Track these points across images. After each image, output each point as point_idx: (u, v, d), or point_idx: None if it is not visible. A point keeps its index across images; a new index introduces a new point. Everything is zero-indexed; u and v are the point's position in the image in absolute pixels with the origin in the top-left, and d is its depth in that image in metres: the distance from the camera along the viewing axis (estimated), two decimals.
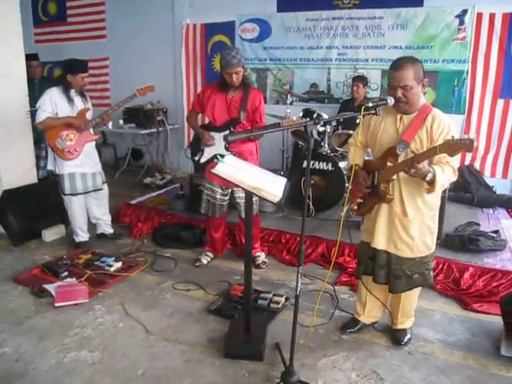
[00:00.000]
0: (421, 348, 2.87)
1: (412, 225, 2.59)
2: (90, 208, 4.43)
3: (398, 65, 2.44)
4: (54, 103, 3.96)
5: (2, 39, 4.42)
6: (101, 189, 4.35)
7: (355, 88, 5.41)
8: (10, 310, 3.25)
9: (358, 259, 2.94)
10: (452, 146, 2.12)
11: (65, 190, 4.14)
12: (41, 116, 3.95)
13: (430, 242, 2.68)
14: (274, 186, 2.43)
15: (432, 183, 2.33)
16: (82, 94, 4.15)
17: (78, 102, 4.10)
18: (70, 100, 4.02)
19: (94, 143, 4.31)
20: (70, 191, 4.15)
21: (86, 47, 7.60)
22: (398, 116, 2.57)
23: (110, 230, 4.62)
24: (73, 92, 4.05)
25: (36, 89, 5.01)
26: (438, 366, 2.70)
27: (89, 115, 4.15)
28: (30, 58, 5.13)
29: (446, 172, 2.36)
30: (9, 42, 4.50)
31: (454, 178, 2.44)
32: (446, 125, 2.45)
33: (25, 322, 3.10)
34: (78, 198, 4.23)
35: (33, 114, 4.68)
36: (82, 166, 4.13)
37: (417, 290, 2.83)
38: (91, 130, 4.23)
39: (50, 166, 4.19)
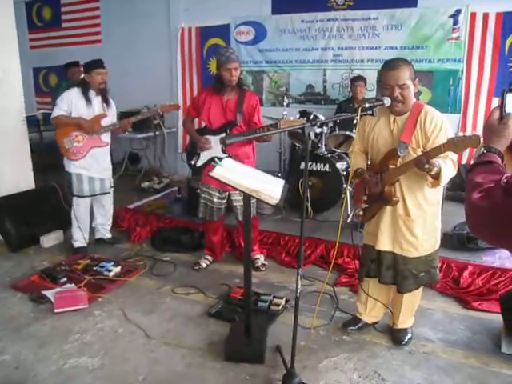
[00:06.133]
0: (422, 347, 2.88)
1: (416, 224, 2.60)
2: (94, 212, 4.44)
3: (393, 65, 2.46)
4: (70, 102, 4.01)
5: None
6: (108, 192, 4.36)
7: (358, 88, 5.41)
8: (10, 317, 3.23)
9: (361, 262, 2.94)
10: (457, 144, 2.12)
11: (73, 190, 4.18)
12: (55, 112, 4.04)
13: (434, 240, 2.69)
14: (272, 189, 2.43)
15: (437, 177, 2.33)
16: (104, 99, 4.15)
17: (97, 105, 4.10)
18: (88, 101, 4.04)
19: (106, 149, 4.28)
20: (76, 193, 4.17)
21: (81, 52, 7.55)
22: (392, 118, 2.58)
23: (108, 235, 4.61)
24: (92, 94, 4.06)
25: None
26: (440, 365, 2.70)
27: (105, 121, 4.14)
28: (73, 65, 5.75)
29: (448, 165, 2.36)
30: (4, 47, 4.49)
31: (454, 171, 2.43)
32: (439, 120, 2.47)
33: (24, 328, 3.09)
34: (85, 201, 4.25)
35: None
36: (88, 169, 4.15)
37: (421, 289, 2.84)
38: (106, 136, 4.21)
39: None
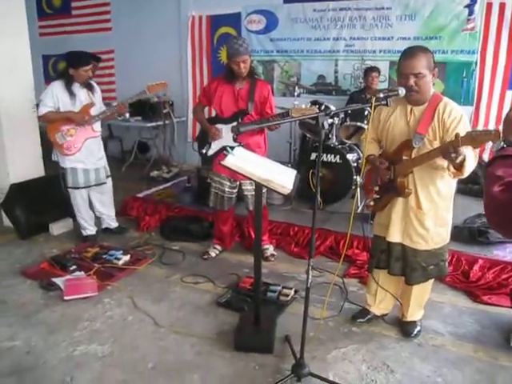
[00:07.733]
0: (431, 340, 2.87)
1: (427, 217, 2.57)
2: (93, 202, 4.41)
3: (410, 53, 2.41)
4: (56, 97, 3.93)
5: (7, 33, 4.40)
6: (104, 183, 4.30)
7: (371, 78, 5.37)
8: (20, 304, 3.26)
9: (371, 253, 2.93)
10: (476, 139, 2.05)
11: (67, 183, 4.16)
12: (41, 110, 3.94)
13: (444, 234, 2.66)
14: (283, 178, 2.41)
15: (460, 167, 2.25)
16: (89, 87, 4.07)
17: (83, 96, 4.02)
18: (72, 94, 3.96)
19: (98, 139, 4.25)
20: (71, 185, 4.15)
21: (91, 40, 7.56)
22: (409, 108, 2.54)
23: (114, 224, 4.59)
24: (76, 86, 3.99)
25: None
26: (448, 358, 2.69)
27: (93, 110, 4.06)
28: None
29: (471, 156, 2.25)
30: (14, 36, 4.47)
31: (475, 162, 2.32)
32: (458, 113, 2.42)
33: (34, 315, 3.11)
34: (80, 192, 4.22)
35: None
36: (83, 161, 4.10)
37: (431, 281, 2.83)
38: (97, 125, 4.18)
39: (54, 157, 4.19)
